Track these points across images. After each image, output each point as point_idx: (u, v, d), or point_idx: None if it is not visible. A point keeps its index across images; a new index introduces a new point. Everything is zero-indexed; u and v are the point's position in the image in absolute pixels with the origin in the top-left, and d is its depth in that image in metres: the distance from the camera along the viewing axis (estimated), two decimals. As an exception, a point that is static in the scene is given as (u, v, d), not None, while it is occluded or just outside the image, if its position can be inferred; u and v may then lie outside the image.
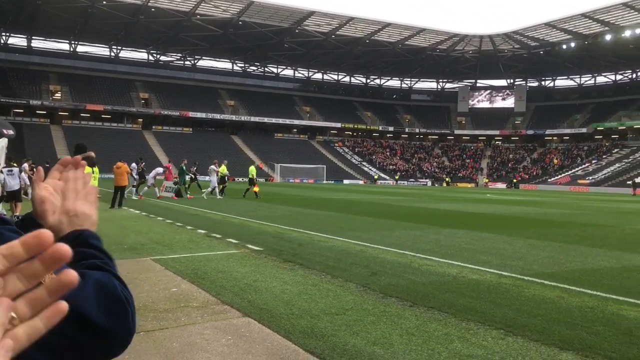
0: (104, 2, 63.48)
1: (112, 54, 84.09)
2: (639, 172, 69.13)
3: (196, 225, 13.60)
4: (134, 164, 25.23)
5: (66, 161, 1.10)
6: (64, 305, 0.52)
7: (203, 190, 27.51)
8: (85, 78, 78.69)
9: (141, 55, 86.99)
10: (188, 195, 25.85)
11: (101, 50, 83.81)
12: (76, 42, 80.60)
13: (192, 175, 29.25)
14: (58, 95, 76.42)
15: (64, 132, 69.52)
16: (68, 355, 0.78)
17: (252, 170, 27.67)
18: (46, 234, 0.50)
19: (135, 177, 25.21)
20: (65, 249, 0.50)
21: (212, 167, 26.35)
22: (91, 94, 76.86)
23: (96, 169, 8.22)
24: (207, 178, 28.88)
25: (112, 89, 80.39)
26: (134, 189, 24.99)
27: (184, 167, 27.09)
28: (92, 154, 8.16)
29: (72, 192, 1.04)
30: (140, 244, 10.34)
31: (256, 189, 26.74)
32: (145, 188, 25.49)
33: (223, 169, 26.78)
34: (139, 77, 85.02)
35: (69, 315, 0.55)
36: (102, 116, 77.24)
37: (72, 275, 0.50)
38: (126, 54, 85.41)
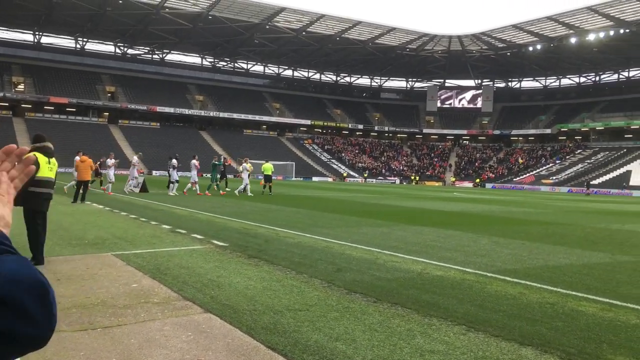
0: (70, -7, 62.10)
1: (78, 46, 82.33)
2: (598, 173, 70.96)
3: (161, 221, 13.39)
4: (136, 158, 25.83)
5: (9, 149, 1.00)
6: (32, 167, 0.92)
7: (227, 189, 29.33)
8: (50, 70, 76.91)
9: (108, 48, 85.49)
10: (221, 192, 27.15)
11: (66, 42, 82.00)
12: (40, 33, 78.68)
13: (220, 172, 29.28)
14: (21, 87, 74.45)
15: (26, 125, 67.77)
16: None
17: (270, 168, 28.45)
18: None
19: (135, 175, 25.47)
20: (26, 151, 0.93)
21: (244, 165, 27.40)
22: (55, 86, 75.10)
23: (53, 160, 7.96)
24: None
25: (77, 82, 78.69)
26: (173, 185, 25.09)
27: (217, 163, 27.47)
28: (50, 144, 7.92)
29: None
30: (101, 239, 10.11)
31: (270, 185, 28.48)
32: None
33: (250, 167, 28.04)
34: (106, 70, 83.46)
35: None
36: (67, 109, 75.55)
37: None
38: (92, 46, 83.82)
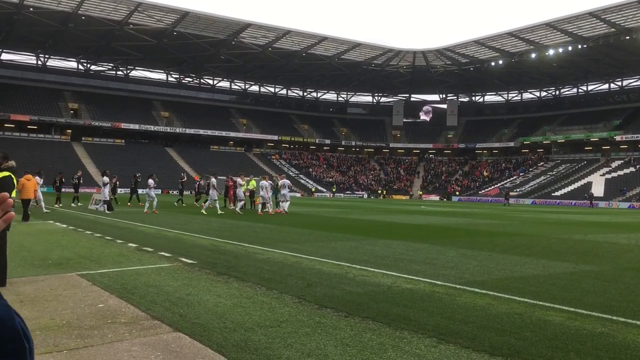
0: (31, 9, 60.98)
1: (39, 62, 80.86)
2: (561, 184, 72.58)
3: (127, 239, 13.15)
4: (151, 181, 25.44)
5: None
6: (11, 213, 0.96)
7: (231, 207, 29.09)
8: (10, 87, 75.20)
9: (71, 64, 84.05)
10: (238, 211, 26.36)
11: (27, 59, 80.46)
12: (0, 50, 77.03)
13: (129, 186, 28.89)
14: (-21, 104, 72.65)
15: (-15, 143, 66.00)
16: None
17: (253, 183, 28.52)
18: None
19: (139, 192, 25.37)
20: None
21: (239, 180, 27.20)
22: (16, 103, 73.42)
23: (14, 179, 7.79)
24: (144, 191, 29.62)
25: (39, 99, 77.13)
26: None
27: (273, 183, 27.77)
28: (14, 163, 7.75)
29: None
30: (65, 259, 9.87)
31: (258, 200, 27.88)
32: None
33: (252, 184, 27.96)
34: (68, 87, 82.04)
35: None
36: (28, 127, 73.91)
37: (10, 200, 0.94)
38: (54, 62, 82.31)
